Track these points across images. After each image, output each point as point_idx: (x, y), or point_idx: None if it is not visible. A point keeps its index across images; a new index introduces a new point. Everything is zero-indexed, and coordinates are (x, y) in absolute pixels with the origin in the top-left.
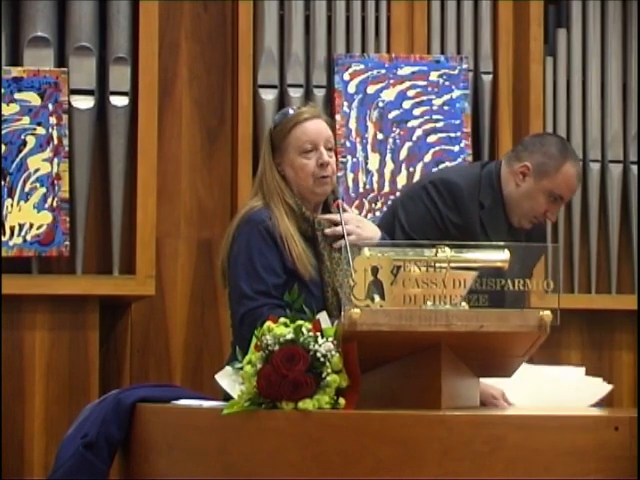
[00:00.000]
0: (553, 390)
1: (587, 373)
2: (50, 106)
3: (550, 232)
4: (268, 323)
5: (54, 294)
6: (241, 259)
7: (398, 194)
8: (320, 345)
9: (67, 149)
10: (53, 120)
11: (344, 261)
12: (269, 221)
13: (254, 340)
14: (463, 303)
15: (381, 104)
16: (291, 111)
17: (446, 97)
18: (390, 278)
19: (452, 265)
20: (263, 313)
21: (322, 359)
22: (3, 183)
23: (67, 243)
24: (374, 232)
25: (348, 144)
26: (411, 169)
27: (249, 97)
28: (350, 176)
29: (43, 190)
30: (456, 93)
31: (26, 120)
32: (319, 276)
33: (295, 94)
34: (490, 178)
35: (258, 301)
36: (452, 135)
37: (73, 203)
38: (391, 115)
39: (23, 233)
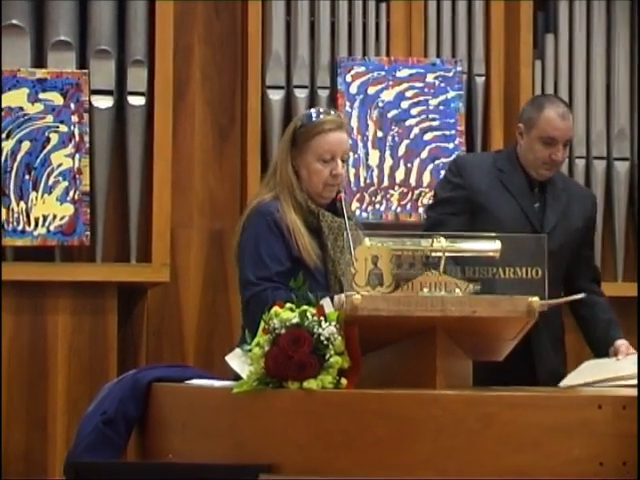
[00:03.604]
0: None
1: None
2: (72, 105)
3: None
4: (275, 308)
5: (75, 281)
6: (249, 248)
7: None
8: (324, 329)
9: (88, 145)
10: (75, 118)
11: (346, 251)
12: (277, 213)
13: (262, 324)
14: (457, 290)
15: (381, 104)
16: (314, 115)
17: (441, 97)
18: (389, 267)
19: (447, 255)
20: (268, 296)
21: (325, 342)
22: (27, 177)
23: (88, 233)
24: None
25: (350, 141)
26: (409, 165)
27: (258, 97)
28: (352, 171)
29: (65, 184)
30: (451, 94)
31: (50, 118)
32: (323, 265)
33: (301, 95)
34: (510, 150)
35: (261, 286)
36: (447, 133)
37: (93, 196)
38: (390, 114)
39: (47, 224)
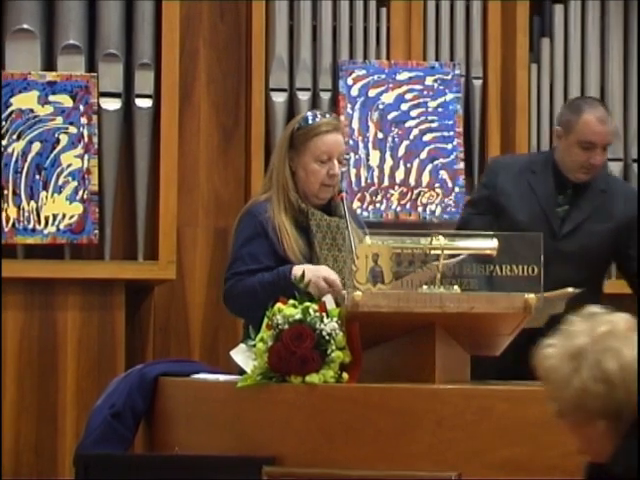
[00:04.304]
0: None
1: None
2: (81, 107)
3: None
4: (278, 304)
5: (84, 278)
6: (235, 247)
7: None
8: (325, 324)
9: (96, 146)
10: (84, 120)
11: (347, 249)
12: (265, 214)
13: (265, 320)
14: (455, 286)
15: (381, 106)
16: (311, 117)
17: (440, 100)
18: (389, 264)
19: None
20: (235, 287)
21: (327, 337)
22: (38, 177)
23: (96, 232)
24: None
25: (351, 142)
26: (408, 165)
27: (261, 100)
28: (353, 171)
29: (75, 184)
30: (449, 96)
31: (59, 120)
32: (309, 262)
33: (303, 97)
34: (548, 152)
35: (232, 280)
36: (445, 134)
37: (102, 195)
38: (390, 116)
39: (57, 222)
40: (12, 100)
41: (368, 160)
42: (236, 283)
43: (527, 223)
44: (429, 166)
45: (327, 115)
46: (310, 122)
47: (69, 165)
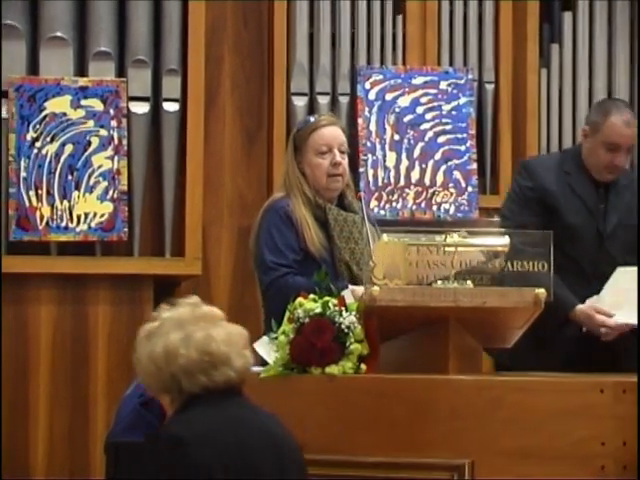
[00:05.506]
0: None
1: None
2: (111, 111)
3: None
4: (299, 299)
5: (114, 273)
6: (264, 238)
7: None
8: (345, 318)
9: (126, 148)
10: (114, 123)
11: (365, 247)
12: (288, 207)
13: (287, 314)
14: (469, 282)
15: (397, 109)
16: (312, 118)
17: (454, 103)
18: (405, 260)
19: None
20: (287, 281)
21: (346, 330)
22: (70, 177)
23: (126, 229)
24: None
25: (369, 144)
26: (423, 166)
27: (283, 103)
28: (370, 172)
29: (105, 184)
30: (463, 100)
31: (91, 123)
32: (330, 254)
33: (323, 101)
34: (575, 150)
35: (279, 271)
36: (459, 136)
37: (131, 195)
38: (406, 119)
39: (88, 221)
40: (46, 104)
41: (385, 161)
42: (286, 276)
43: (579, 225)
44: (443, 167)
45: (324, 114)
46: (307, 123)
47: (100, 166)
